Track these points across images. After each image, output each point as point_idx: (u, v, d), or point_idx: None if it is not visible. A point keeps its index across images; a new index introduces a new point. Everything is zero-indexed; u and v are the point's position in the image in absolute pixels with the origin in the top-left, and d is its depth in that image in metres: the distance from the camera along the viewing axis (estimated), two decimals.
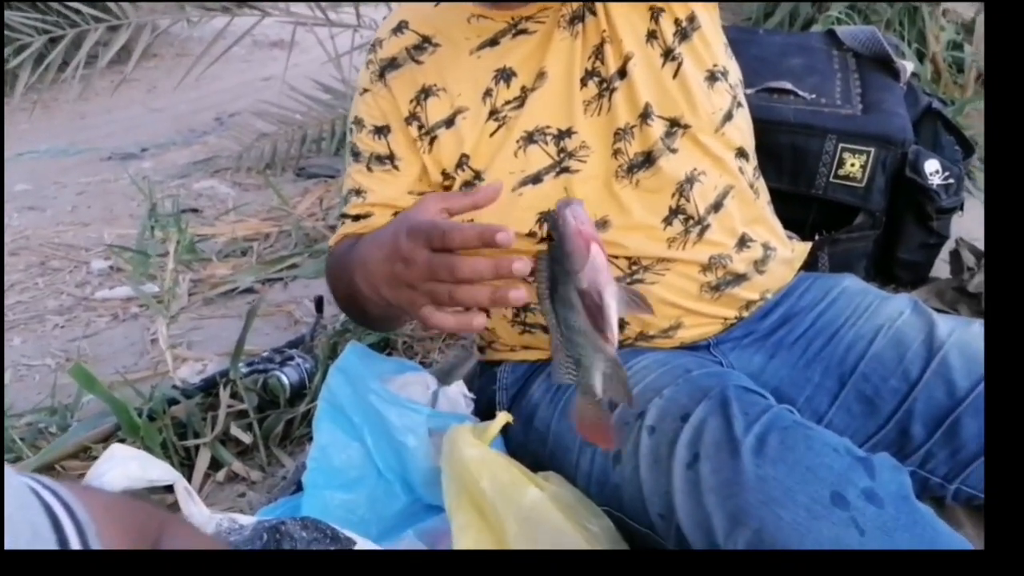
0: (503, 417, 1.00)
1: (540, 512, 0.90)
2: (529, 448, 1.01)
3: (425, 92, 0.94)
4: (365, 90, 0.98)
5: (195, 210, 2.51)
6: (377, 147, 0.97)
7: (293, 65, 3.71)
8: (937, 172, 1.20)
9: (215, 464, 1.22)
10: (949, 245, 1.35)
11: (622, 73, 0.91)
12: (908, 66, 1.29)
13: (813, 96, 1.23)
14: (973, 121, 1.94)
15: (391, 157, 0.96)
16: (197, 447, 1.21)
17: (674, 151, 0.91)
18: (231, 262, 2.10)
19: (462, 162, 0.94)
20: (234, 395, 1.28)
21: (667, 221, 0.92)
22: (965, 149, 1.30)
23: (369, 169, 0.97)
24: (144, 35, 2.72)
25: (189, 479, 1.18)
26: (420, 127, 0.95)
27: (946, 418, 0.89)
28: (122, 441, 1.18)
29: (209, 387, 1.29)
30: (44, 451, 1.13)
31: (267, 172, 2.78)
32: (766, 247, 0.98)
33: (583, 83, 0.92)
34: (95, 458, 1.15)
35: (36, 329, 1.85)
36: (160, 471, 0.75)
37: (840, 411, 0.95)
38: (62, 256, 2.26)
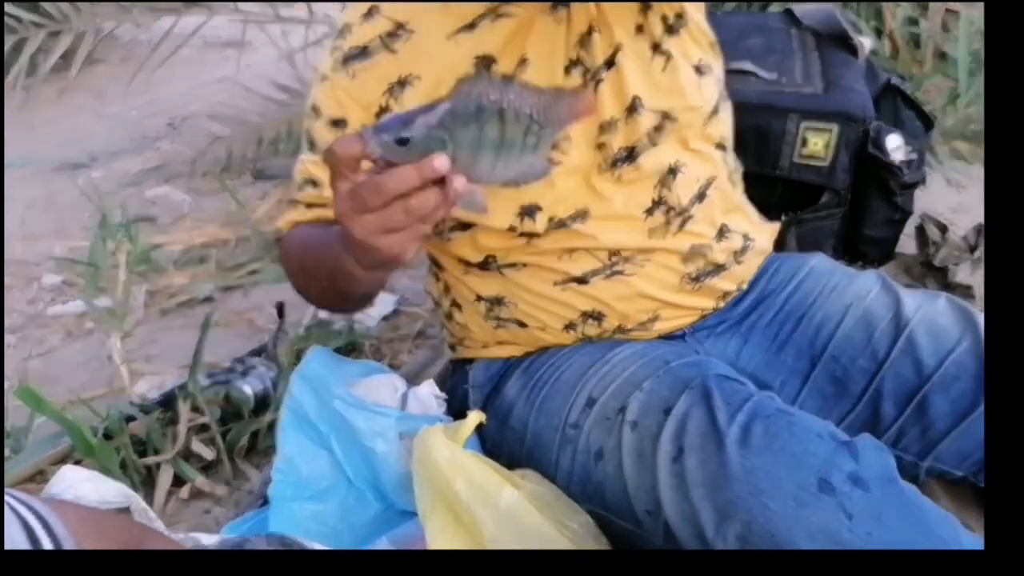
0: (475, 416, 0.97)
1: (517, 512, 0.88)
2: (505, 447, 0.99)
3: (401, 83, 0.89)
4: (325, 77, 0.92)
5: (149, 218, 2.43)
6: (332, 140, 0.92)
7: (246, 65, 3.63)
8: (899, 148, 1.20)
9: (179, 481, 1.18)
10: (914, 220, 1.35)
11: (610, 63, 0.88)
12: (866, 43, 1.28)
13: (774, 76, 1.22)
14: (932, 96, 1.96)
15: None
16: (158, 464, 1.16)
17: (656, 145, 0.89)
18: (189, 271, 2.04)
19: None
20: (196, 408, 1.24)
21: (649, 212, 0.91)
22: (925, 124, 1.30)
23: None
24: (87, 40, 2.63)
25: (151, 498, 1.14)
26: None
27: (914, 396, 0.89)
28: (78, 462, 1.13)
29: (168, 402, 1.24)
30: None
31: (223, 176, 2.71)
32: (745, 237, 0.97)
33: (567, 71, 0.88)
34: (43, 483, 1.10)
35: None
36: (115, 492, 0.71)
37: (812, 393, 0.95)
38: (12, 272, 2.17)
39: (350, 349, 1.46)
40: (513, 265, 0.94)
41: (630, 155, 0.89)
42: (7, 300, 2.03)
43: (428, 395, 1.08)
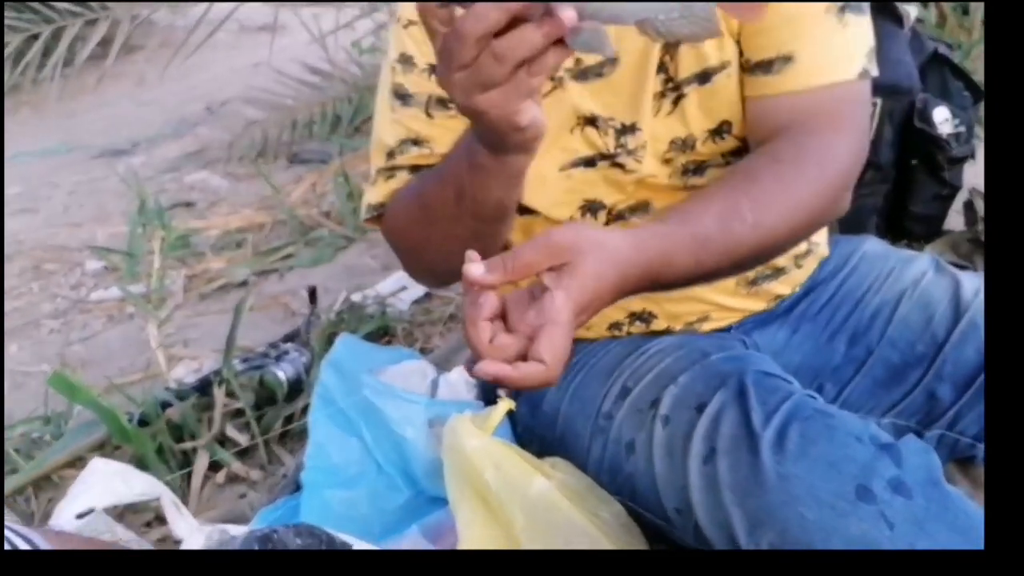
0: (504, 404, 0.96)
1: (548, 502, 0.86)
2: (537, 432, 0.97)
3: None
4: (412, 22, 0.83)
5: (188, 204, 2.47)
6: (436, 88, 0.80)
7: (281, 49, 3.65)
8: (947, 120, 1.14)
9: (215, 466, 1.19)
10: (962, 196, 1.30)
11: (704, 78, 0.80)
12: (911, 11, 1.22)
13: None
14: (981, 65, 1.87)
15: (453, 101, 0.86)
16: (194, 449, 1.18)
17: (729, 163, 0.84)
18: (226, 255, 2.06)
19: None
20: (231, 394, 1.25)
21: None
22: (974, 94, 1.24)
23: (429, 115, 0.83)
24: (123, 27, 2.66)
25: (188, 483, 1.15)
26: None
27: (975, 378, 0.85)
28: (117, 448, 1.15)
29: (204, 387, 1.25)
30: (34, 463, 1.10)
31: (259, 161, 2.73)
32: (809, 241, 0.92)
33: (656, 73, 0.81)
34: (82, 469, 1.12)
35: (32, 335, 1.83)
36: (145, 484, 0.72)
37: (865, 380, 0.92)
38: (55, 258, 2.22)
39: (382, 333, 1.46)
40: None
41: (699, 168, 0.84)
42: (51, 286, 2.07)
43: (459, 381, 1.08)
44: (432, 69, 0.82)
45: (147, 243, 2.14)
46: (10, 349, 1.76)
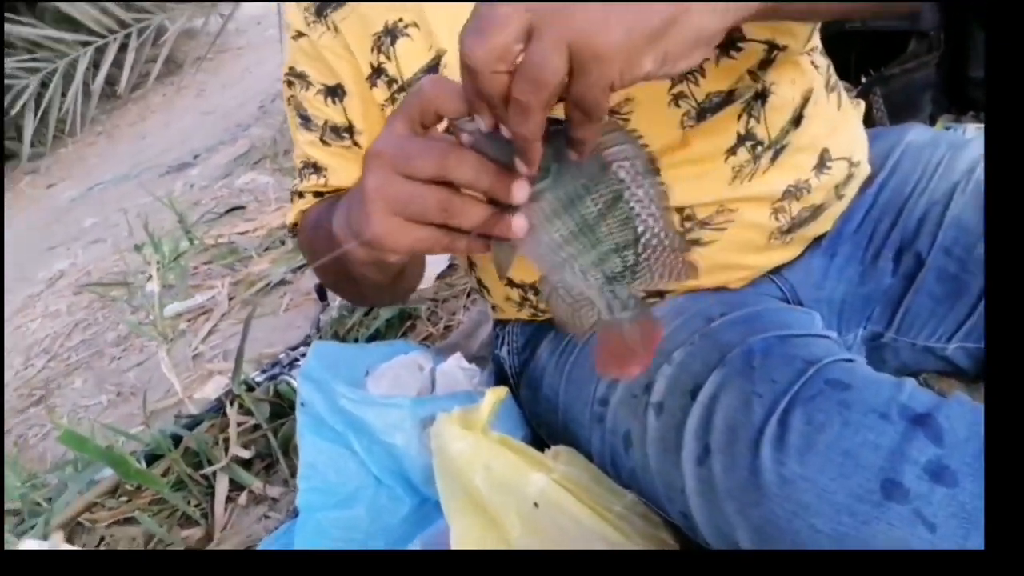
0: (492, 395, 0.84)
1: (549, 501, 0.76)
2: (543, 418, 0.86)
3: (390, 34, 0.70)
4: (300, 33, 0.75)
5: (236, 208, 2.46)
6: (332, 114, 0.76)
7: None
8: None
9: (241, 486, 1.14)
10: None
11: (731, 95, 0.67)
12: None
13: None
14: None
15: (350, 129, 0.76)
16: (215, 474, 1.13)
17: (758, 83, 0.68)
18: (271, 255, 2.03)
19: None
20: (249, 410, 1.19)
21: (731, 151, 0.69)
22: None
23: (324, 142, 0.77)
24: (169, 41, 2.66)
25: (211, 508, 1.11)
26: (391, 83, 0.71)
27: None
28: (138, 488, 1.12)
29: (220, 408, 1.20)
30: (51, 511, 1.08)
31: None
32: (850, 163, 0.75)
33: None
34: (110, 509, 1.10)
35: (95, 366, 1.86)
36: None
37: (921, 297, 0.75)
38: (121, 284, 2.27)
39: (407, 317, 1.37)
40: None
41: (728, 98, 0.67)
42: (115, 314, 2.11)
43: (455, 369, 0.97)
44: (328, 92, 0.75)
45: (204, 251, 2.16)
46: (74, 384, 1.80)
